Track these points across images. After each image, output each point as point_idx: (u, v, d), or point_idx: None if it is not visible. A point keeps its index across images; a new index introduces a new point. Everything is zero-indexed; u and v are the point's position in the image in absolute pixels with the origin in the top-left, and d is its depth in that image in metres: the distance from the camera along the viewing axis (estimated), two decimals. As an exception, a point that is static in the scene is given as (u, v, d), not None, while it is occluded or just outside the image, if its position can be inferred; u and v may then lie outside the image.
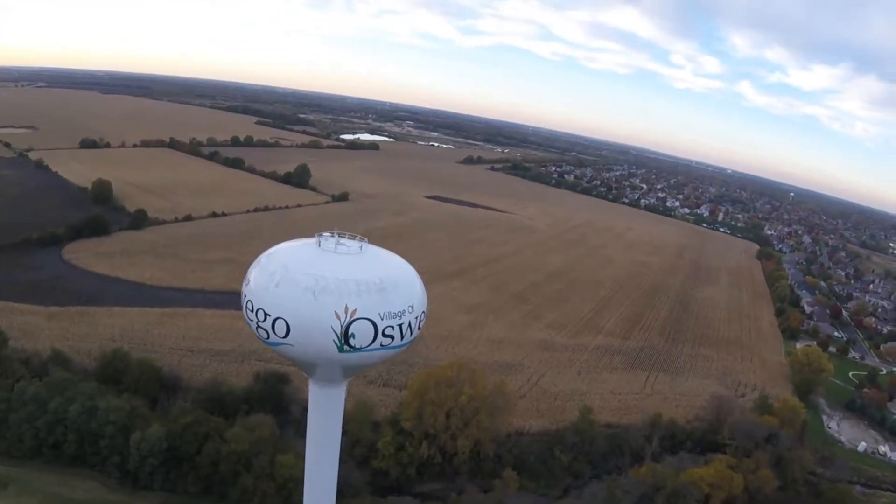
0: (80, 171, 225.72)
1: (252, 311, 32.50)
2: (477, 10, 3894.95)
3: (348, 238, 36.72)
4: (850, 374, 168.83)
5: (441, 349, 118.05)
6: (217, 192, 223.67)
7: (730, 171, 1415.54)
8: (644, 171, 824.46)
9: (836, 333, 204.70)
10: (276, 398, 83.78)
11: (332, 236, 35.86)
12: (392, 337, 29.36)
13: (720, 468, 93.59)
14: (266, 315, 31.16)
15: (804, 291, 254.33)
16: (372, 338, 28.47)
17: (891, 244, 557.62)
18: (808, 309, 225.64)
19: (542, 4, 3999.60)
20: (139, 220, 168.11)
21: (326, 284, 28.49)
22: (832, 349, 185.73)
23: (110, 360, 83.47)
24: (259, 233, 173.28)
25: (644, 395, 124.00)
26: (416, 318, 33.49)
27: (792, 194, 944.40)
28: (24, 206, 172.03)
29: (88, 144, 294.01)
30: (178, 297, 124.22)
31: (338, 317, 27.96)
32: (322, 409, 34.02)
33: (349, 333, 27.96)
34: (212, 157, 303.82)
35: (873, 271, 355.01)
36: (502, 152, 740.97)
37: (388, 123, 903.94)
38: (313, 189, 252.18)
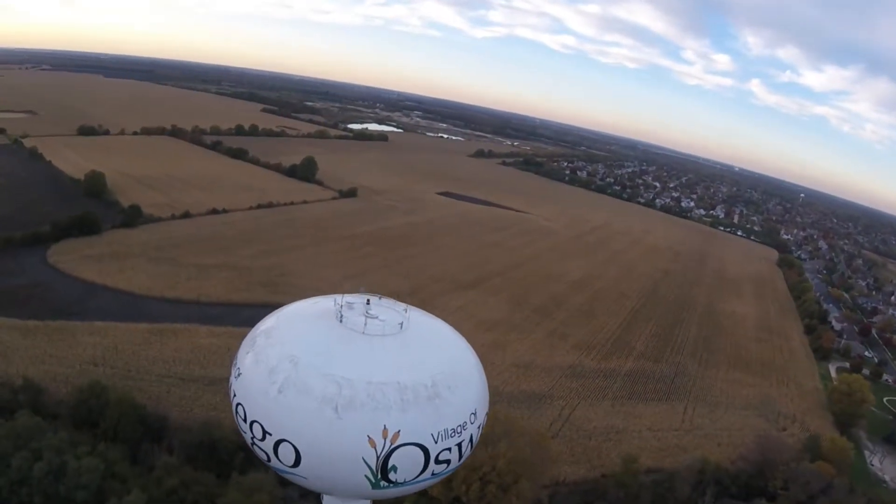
0: (74, 160, 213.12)
1: (245, 420, 21.79)
2: (489, 0, 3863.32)
3: (382, 302, 25.97)
4: (885, 399, 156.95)
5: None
6: (218, 185, 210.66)
7: (737, 169, 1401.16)
8: (655, 168, 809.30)
9: (866, 353, 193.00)
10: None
11: (360, 302, 25.10)
12: (448, 462, 21.32)
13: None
14: (265, 433, 20.82)
15: (830, 305, 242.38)
16: (421, 468, 20.61)
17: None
18: (836, 325, 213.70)
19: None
20: (132, 217, 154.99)
21: (354, 394, 19.50)
22: (865, 371, 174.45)
23: (86, 396, 71.47)
24: (261, 234, 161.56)
25: (683, 430, 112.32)
26: (479, 426, 23.40)
27: (802, 195, 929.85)
28: (9, 199, 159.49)
29: (86, 131, 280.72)
30: (170, 310, 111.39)
31: (373, 443, 19.40)
32: None
33: (389, 466, 20.05)
34: (214, 147, 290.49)
35: (892, 281, 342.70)
36: (512, 145, 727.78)
37: (397, 113, 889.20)
38: (320, 183, 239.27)
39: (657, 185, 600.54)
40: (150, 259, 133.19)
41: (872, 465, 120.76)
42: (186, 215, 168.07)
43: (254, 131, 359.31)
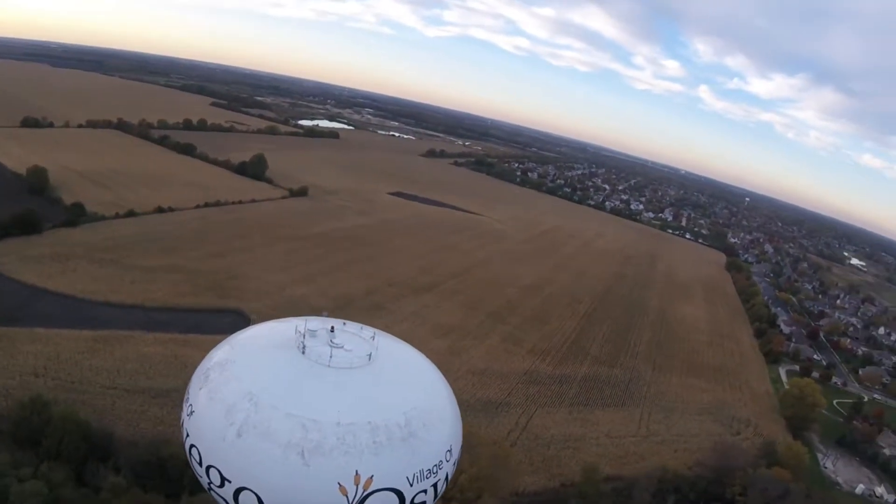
0: (17, 153, 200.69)
1: (200, 464, 19.30)
2: (444, 0, 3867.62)
3: (347, 327, 23.93)
4: (835, 402, 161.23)
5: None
6: (165, 182, 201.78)
7: (683, 172, 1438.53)
8: (604, 170, 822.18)
9: (815, 356, 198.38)
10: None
11: (323, 328, 22.97)
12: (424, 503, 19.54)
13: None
14: (224, 480, 18.26)
15: (779, 309, 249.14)
16: (397, 513, 17.63)
17: (845, 253, 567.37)
18: (785, 329, 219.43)
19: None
20: (75, 216, 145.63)
21: (323, 437, 17.63)
22: (815, 374, 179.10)
23: (28, 413, 66.05)
24: (209, 234, 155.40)
25: (640, 437, 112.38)
26: (454, 462, 21.53)
27: (748, 199, 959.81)
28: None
29: (30, 123, 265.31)
30: (114, 315, 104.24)
31: (344, 491, 17.33)
32: None
33: (362, 513, 16.74)
34: (162, 142, 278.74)
35: (837, 284, 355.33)
36: (464, 145, 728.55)
37: (348, 110, 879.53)
38: (270, 181, 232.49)
39: (606, 187, 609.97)
40: (94, 260, 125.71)
41: (825, 467, 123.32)
42: (131, 214, 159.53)
43: (203, 126, 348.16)
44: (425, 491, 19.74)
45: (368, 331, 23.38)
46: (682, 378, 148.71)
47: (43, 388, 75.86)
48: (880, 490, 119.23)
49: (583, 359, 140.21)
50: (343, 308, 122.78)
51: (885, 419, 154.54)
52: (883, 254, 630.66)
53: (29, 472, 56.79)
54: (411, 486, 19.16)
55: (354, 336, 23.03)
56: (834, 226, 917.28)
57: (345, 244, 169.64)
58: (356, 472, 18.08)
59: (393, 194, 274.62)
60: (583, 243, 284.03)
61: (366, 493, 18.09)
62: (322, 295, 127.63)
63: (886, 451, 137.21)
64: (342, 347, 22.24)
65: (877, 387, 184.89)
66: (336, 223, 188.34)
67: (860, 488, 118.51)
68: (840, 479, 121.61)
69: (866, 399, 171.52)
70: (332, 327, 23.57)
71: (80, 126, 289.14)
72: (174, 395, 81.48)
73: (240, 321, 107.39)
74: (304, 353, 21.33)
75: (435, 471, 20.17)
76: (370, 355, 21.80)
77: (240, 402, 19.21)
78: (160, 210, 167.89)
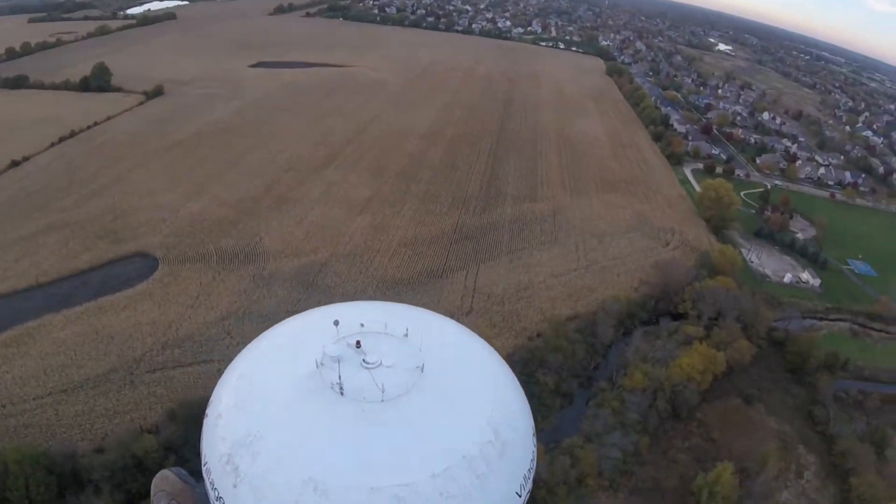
0: None
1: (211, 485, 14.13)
2: None
3: (367, 328, 18.57)
4: (742, 193, 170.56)
5: (353, 276, 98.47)
6: (8, 129, 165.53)
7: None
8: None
9: (713, 151, 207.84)
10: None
11: (343, 342, 17.68)
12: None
13: (704, 352, 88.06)
14: None
15: (669, 108, 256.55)
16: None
17: (711, 40, 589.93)
18: (680, 128, 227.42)
19: None
20: None
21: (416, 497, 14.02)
22: (718, 170, 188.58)
23: None
24: (76, 174, 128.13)
25: (582, 269, 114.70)
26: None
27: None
28: None
29: None
30: (11, 307, 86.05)
31: None
32: None
33: None
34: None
35: (713, 74, 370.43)
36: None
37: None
38: (119, 90, 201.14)
39: (469, 8, 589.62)
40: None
41: (752, 262, 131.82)
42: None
43: (28, 50, 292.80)
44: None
45: (392, 316, 17.58)
46: (599, 197, 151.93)
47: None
48: (805, 275, 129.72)
49: (503, 201, 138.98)
50: (250, 213, 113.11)
51: (792, 204, 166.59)
52: (746, 36, 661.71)
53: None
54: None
55: (383, 336, 17.12)
56: (694, 13, 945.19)
57: (224, 139, 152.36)
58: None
59: (255, 66, 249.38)
60: (464, 74, 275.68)
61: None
62: (221, 204, 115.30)
63: (800, 236, 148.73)
64: (381, 365, 16.24)
65: (775, 173, 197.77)
66: (207, 117, 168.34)
67: (788, 277, 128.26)
68: (768, 271, 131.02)
69: (769, 187, 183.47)
70: (358, 342, 17.21)
71: None
72: (114, 378, 72.05)
73: (148, 264, 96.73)
74: (342, 393, 15.23)
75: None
76: (422, 367, 16.07)
77: (304, 496, 13.71)
78: (14, 164, 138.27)
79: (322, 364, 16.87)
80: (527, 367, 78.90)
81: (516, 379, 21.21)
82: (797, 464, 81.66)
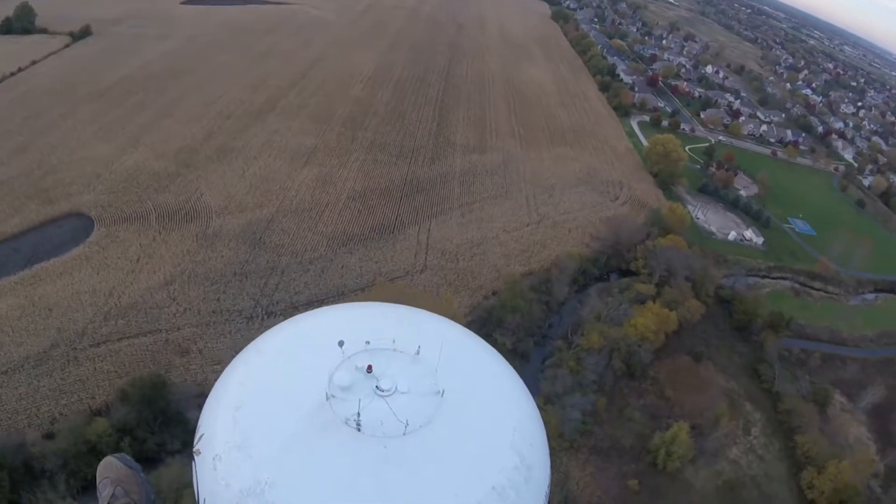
0: None
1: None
2: None
3: (392, 356, 16.78)
4: (687, 148, 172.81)
5: (302, 232, 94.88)
6: None
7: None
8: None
9: (659, 104, 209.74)
10: (160, 411, 58.12)
11: (352, 368, 15.81)
12: None
13: (657, 311, 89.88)
14: None
15: (615, 58, 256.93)
16: None
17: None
18: (626, 79, 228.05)
19: None
20: None
21: None
22: (665, 123, 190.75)
23: None
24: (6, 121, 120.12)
25: (534, 224, 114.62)
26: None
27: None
28: None
29: None
30: None
31: None
32: None
33: None
34: None
35: (658, 24, 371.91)
36: None
37: None
38: (45, 31, 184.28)
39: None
40: None
41: (697, 218, 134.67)
42: None
43: None
44: None
45: (396, 326, 16.06)
46: (549, 149, 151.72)
47: None
48: (749, 233, 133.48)
49: (452, 151, 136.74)
50: (188, 165, 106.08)
51: (736, 161, 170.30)
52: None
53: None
54: None
55: (393, 355, 15.45)
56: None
57: (158, 83, 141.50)
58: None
59: (187, 3, 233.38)
60: (409, 14, 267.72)
61: None
62: (159, 157, 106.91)
63: (743, 193, 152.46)
64: (396, 391, 14.47)
65: (719, 129, 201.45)
66: (139, 59, 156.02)
67: (732, 235, 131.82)
68: (713, 228, 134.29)
69: (713, 142, 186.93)
70: (370, 367, 15.21)
71: None
72: (55, 354, 66.75)
73: (83, 225, 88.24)
74: (359, 429, 13.54)
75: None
76: (441, 392, 14.48)
77: (238, 482, 12.23)
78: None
79: (332, 395, 14.87)
80: (484, 327, 78.34)
81: (525, 385, 19.77)
82: (745, 420, 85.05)
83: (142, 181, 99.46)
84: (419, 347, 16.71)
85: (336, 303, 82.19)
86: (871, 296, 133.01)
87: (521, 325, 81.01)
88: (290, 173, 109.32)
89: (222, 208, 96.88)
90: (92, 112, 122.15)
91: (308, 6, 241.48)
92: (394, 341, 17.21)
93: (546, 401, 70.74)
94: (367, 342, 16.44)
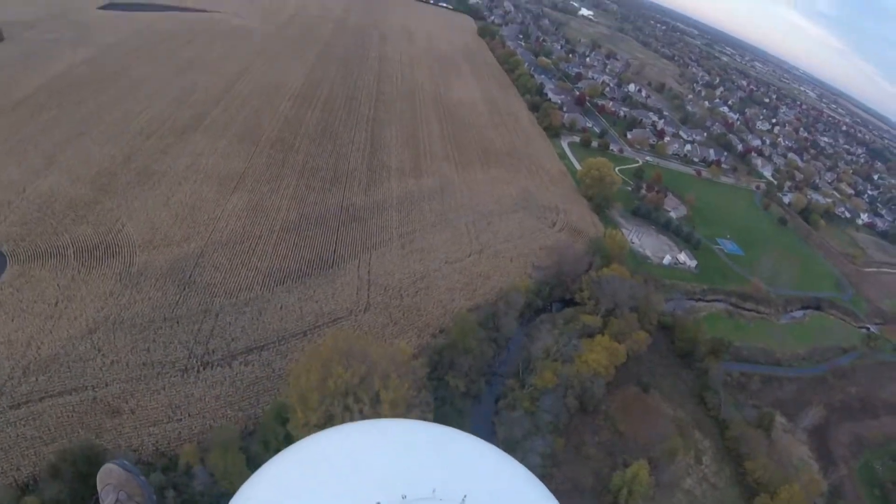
0: None
1: None
2: None
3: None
4: (617, 169, 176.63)
5: (235, 269, 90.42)
6: None
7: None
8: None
9: (587, 124, 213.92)
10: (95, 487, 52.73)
11: None
12: None
13: (606, 345, 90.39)
14: None
15: (543, 76, 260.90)
16: None
17: (574, 3, 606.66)
18: (555, 98, 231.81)
19: None
20: None
21: None
22: (594, 144, 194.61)
23: None
24: None
25: (475, 254, 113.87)
26: None
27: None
28: None
29: None
30: None
31: None
32: None
33: None
34: None
35: (580, 41, 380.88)
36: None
37: None
38: None
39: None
40: None
41: (633, 242, 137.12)
42: None
43: None
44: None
45: (434, 463, 14.42)
46: (484, 171, 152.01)
47: None
48: (682, 256, 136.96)
49: (388, 175, 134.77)
50: (107, 190, 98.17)
51: (664, 182, 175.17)
52: (607, 1, 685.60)
53: None
54: None
55: None
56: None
57: (75, 94, 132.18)
58: None
59: (105, 8, 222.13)
60: (335, 25, 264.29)
61: None
62: (75, 181, 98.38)
63: (673, 215, 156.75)
64: None
65: (646, 149, 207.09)
66: (54, 67, 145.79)
67: (667, 259, 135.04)
68: (648, 252, 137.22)
69: (641, 163, 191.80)
70: None
71: None
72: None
73: None
74: None
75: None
76: None
77: None
78: None
79: None
80: (436, 370, 76.73)
81: None
82: (696, 450, 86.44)
83: (57, 210, 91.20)
84: (464, 497, 14.53)
85: (277, 349, 79.10)
86: (798, 313, 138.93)
87: (472, 365, 79.78)
88: (219, 200, 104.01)
89: (146, 242, 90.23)
90: (2, 128, 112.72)
91: (229, 14, 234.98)
92: (433, 490, 14.94)
93: (506, 448, 69.41)
94: (404, 496, 14.29)
